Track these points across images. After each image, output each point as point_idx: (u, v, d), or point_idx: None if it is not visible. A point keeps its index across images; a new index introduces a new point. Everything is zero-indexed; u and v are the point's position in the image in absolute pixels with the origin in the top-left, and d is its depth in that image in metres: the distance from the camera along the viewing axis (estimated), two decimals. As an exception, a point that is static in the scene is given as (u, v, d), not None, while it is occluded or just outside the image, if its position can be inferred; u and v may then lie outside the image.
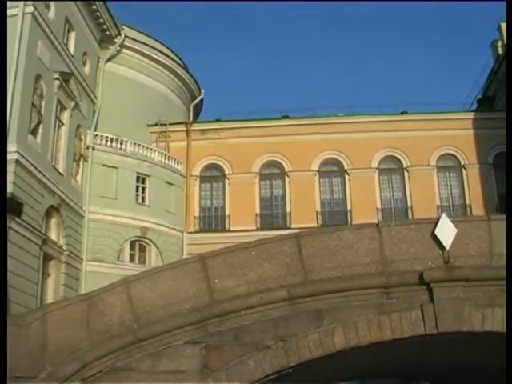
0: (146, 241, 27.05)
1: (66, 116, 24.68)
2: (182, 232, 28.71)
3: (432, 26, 77.52)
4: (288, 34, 77.43)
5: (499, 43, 32.88)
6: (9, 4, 20.16)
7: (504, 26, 30.55)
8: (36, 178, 21.47)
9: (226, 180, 30.22)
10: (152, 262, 26.80)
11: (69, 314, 7.52)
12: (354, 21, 74.94)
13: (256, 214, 29.48)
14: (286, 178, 30.11)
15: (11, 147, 19.75)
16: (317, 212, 29.40)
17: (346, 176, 29.95)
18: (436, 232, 7.59)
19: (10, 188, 18.94)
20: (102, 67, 28.42)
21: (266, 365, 7.32)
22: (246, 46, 79.87)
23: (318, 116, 30.97)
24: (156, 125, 30.37)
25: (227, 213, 29.67)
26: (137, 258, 26.79)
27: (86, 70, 26.93)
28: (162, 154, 28.88)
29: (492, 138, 28.96)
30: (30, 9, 21.57)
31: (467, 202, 29.25)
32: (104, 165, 26.49)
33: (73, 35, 25.56)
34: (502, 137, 25.40)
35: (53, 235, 23.04)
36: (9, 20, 20.48)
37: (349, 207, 29.40)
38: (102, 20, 27.49)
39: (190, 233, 29.01)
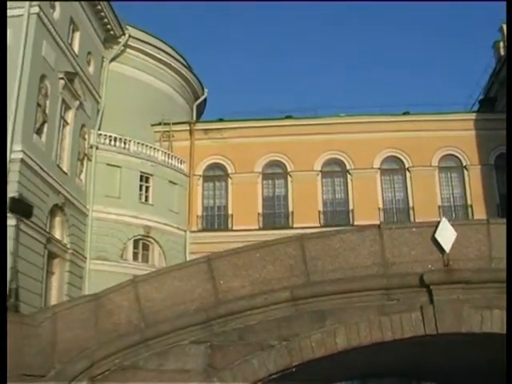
0: (150, 239, 27.18)
1: (70, 115, 24.80)
2: (185, 231, 28.78)
3: (434, 26, 77.63)
4: (291, 34, 77.41)
5: (501, 44, 32.85)
6: (14, 4, 20.37)
7: (505, 27, 30.61)
8: (41, 177, 21.58)
9: (229, 179, 30.27)
10: (155, 260, 26.97)
11: (77, 313, 7.68)
12: (355, 21, 75.09)
13: (258, 214, 29.57)
14: (289, 178, 30.18)
15: (16, 147, 19.95)
16: (319, 212, 29.46)
17: (348, 176, 30.00)
18: (436, 235, 7.74)
19: (15, 187, 19.09)
20: (106, 67, 28.52)
21: (269, 364, 7.47)
22: (249, 46, 79.89)
23: (321, 116, 31.04)
24: (159, 124, 30.44)
25: (230, 212, 29.75)
26: (140, 256, 26.92)
27: (91, 69, 27.05)
28: (165, 153, 28.97)
29: (493, 139, 29.02)
30: (36, 9, 21.67)
31: (469, 202, 29.30)
32: (108, 164, 26.60)
33: (77, 35, 25.66)
34: (503, 138, 25.52)
35: (57, 234, 23.17)
36: (14, 20, 20.77)
37: (351, 207, 29.46)
38: (106, 20, 27.58)
39: (193, 232, 29.07)
